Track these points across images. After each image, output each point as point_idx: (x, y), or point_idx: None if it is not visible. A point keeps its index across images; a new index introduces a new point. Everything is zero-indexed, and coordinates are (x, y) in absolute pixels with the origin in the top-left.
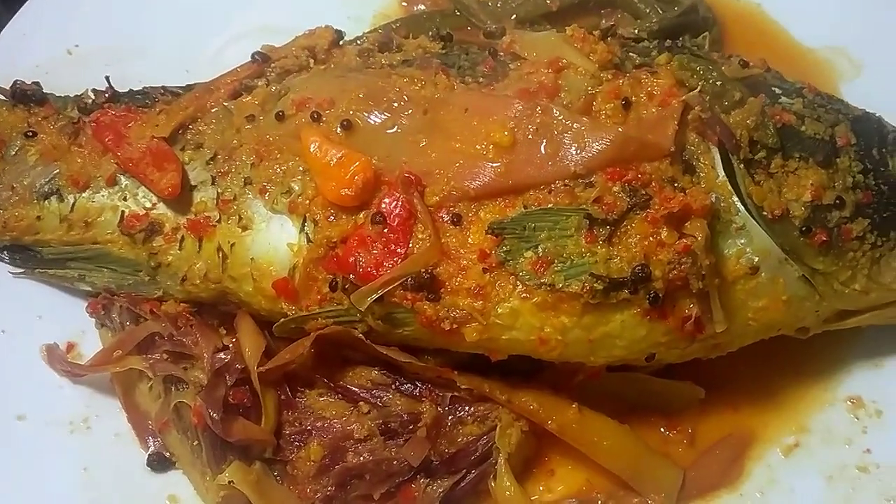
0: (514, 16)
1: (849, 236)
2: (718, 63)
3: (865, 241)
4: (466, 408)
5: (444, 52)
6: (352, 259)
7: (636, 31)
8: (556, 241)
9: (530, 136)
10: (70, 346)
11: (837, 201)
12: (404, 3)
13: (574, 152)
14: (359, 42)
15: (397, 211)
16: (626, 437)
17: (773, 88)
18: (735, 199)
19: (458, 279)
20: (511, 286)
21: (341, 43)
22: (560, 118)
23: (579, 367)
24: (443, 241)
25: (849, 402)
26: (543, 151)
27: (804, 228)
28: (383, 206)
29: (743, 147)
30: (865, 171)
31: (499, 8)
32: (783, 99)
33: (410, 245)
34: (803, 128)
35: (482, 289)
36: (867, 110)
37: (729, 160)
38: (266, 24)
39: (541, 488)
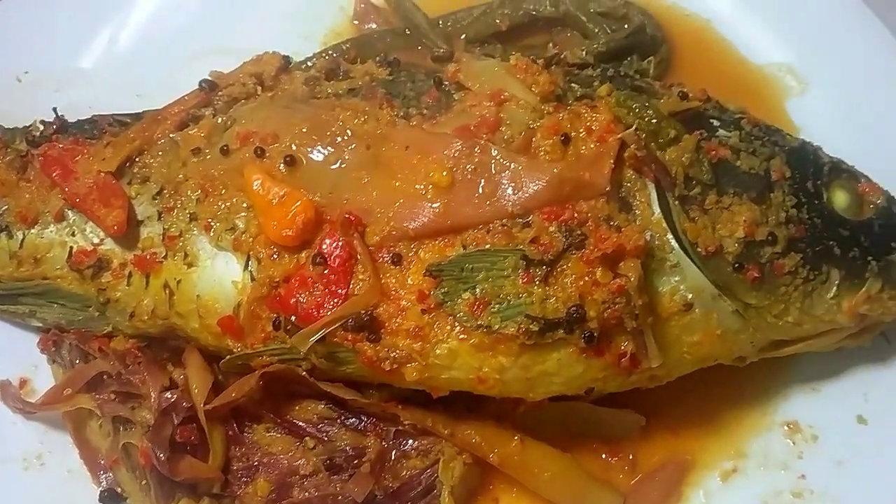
0: (464, 35)
1: (781, 271)
2: (658, 95)
3: (797, 276)
4: (410, 442)
5: (390, 78)
6: (293, 300)
7: (584, 53)
8: (494, 282)
9: (469, 176)
10: (23, 382)
11: (770, 237)
12: (356, 22)
13: (511, 192)
14: (306, 67)
15: (337, 252)
16: (566, 466)
17: (712, 120)
18: (669, 236)
19: (398, 320)
20: (449, 327)
21: (290, 67)
22: (498, 158)
23: (521, 399)
24: (383, 281)
25: (786, 427)
26: (481, 191)
27: (737, 265)
28: (324, 246)
29: (678, 184)
30: (799, 205)
31: (449, 27)
32: (720, 132)
33: (351, 286)
34: (738, 162)
35: (421, 330)
36: (805, 139)
37: (665, 196)
38: (218, 46)
39: None
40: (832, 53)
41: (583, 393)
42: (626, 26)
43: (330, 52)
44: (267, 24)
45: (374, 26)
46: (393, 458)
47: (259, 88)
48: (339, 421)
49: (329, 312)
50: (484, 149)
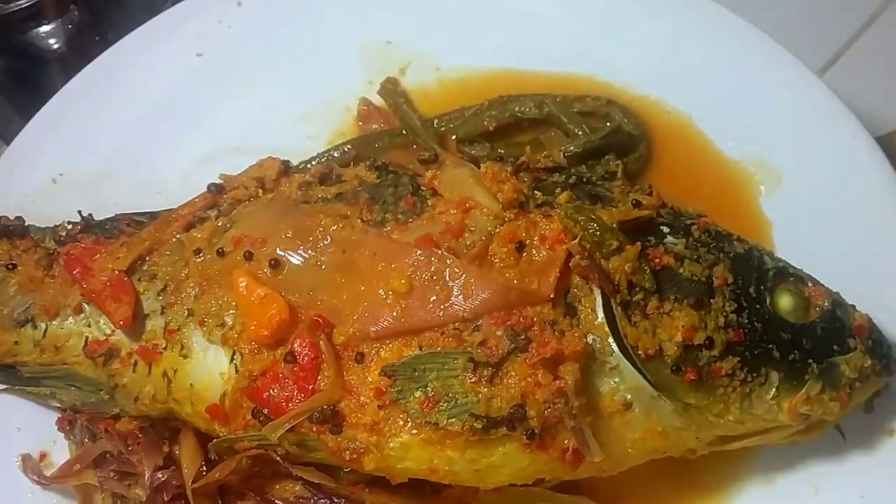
0: (455, 136)
1: (718, 374)
2: (615, 202)
3: (735, 378)
4: None
5: (377, 181)
6: (266, 394)
7: (562, 153)
8: (444, 382)
9: (425, 284)
10: (42, 455)
11: (707, 342)
12: (360, 123)
13: (462, 299)
14: (303, 170)
15: (306, 351)
16: None
17: (662, 227)
18: (611, 340)
19: (358, 414)
20: (402, 422)
21: (290, 169)
22: (452, 267)
23: None
24: (346, 378)
25: None
26: (436, 298)
27: (675, 367)
28: (295, 346)
29: (621, 290)
30: (739, 310)
31: (442, 127)
32: (668, 239)
33: (318, 382)
34: (682, 269)
35: (377, 424)
36: (754, 245)
37: (609, 302)
38: (231, 146)
39: None
40: (805, 147)
41: (534, 482)
42: (608, 124)
43: (332, 152)
44: (277, 125)
45: (376, 126)
46: None
47: (260, 191)
48: (312, 501)
49: (296, 406)
50: (440, 258)
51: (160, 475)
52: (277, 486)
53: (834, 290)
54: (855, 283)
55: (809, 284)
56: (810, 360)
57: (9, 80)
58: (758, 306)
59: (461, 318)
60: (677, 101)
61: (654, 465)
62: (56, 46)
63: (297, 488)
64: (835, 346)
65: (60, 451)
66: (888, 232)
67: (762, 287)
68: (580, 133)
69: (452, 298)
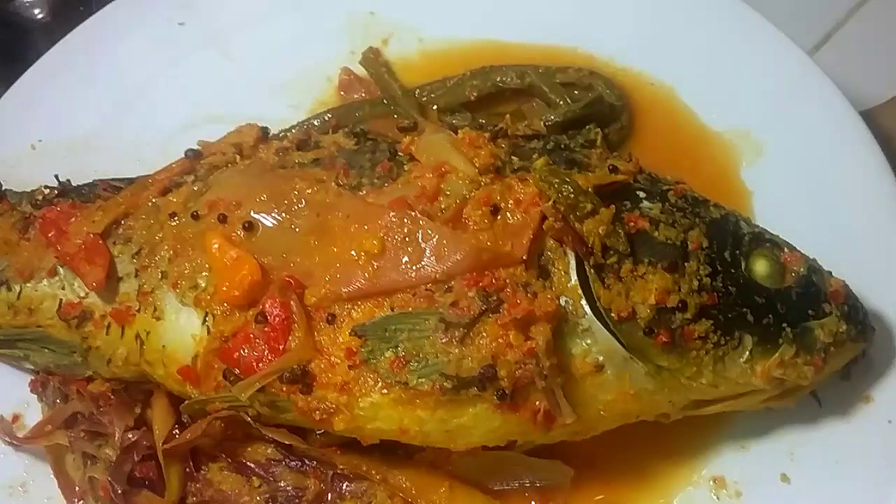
0: (436, 106)
1: (691, 337)
2: (591, 167)
3: (708, 341)
4: (346, 485)
5: (355, 148)
6: (236, 354)
7: (543, 122)
8: (415, 342)
9: (398, 245)
10: (15, 417)
11: (680, 304)
12: (342, 93)
13: (435, 260)
14: (282, 137)
15: (277, 312)
16: None
17: (638, 192)
18: (583, 302)
19: (328, 374)
20: (372, 382)
21: (269, 137)
22: (425, 228)
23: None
24: (318, 338)
25: (712, 482)
26: (408, 259)
27: (648, 330)
28: (266, 306)
29: (595, 253)
30: (714, 274)
31: (423, 97)
32: (644, 203)
33: (289, 342)
34: (656, 233)
35: (347, 384)
36: (731, 211)
37: (583, 265)
38: (212, 114)
39: None
40: (787, 119)
41: (506, 444)
42: (589, 95)
43: (313, 120)
44: (259, 94)
45: (357, 96)
46: (329, 499)
47: (238, 157)
48: (283, 463)
49: (265, 366)
50: (413, 220)
51: (130, 435)
52: (249, 449)
53: (811, 257)
54: (834, 253)
55: (785, 250)
56: (784, 325)
57: None
58: (732, 271)
59: (433, 279)
60: (661, 74)
61: (627, 430)
62: (41, 16)
63: (268, 451)
64: (810, 311)
65: (33, 414)
66: (868, 203)
67: (737, 252)
68: (562, 103)
69: (424, 259)
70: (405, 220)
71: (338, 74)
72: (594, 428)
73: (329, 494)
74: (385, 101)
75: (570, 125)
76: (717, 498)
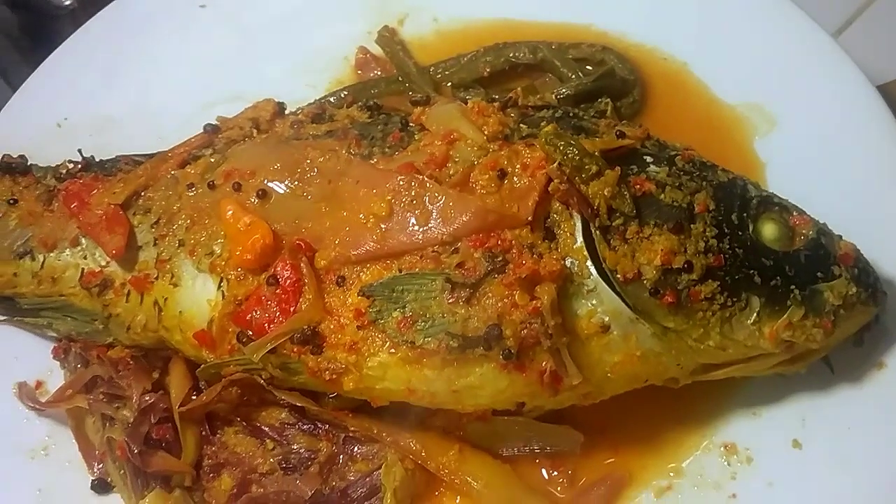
0: (450, 83)
1: (697, 298)
2: (599, 134)
3: (715, 302)
4: (357, 447)
5: (369, 121)
6: (249, 316)
7: (555, 95)
8: (422, 303)
9: (405, 208)
10: (39, 384)
11: (686, 265)
12: (359, 72)
13: (441, 222)
14: (296, 112)
15: (288, 274)
16: (501, 476)
17: (646, 157)
18: (589, 263)
19: (337, 335)
20: (380, 342)
21: (286, 112)
22: (431, 190)
23: (466, 414)
24: (327, 300)
25: (723, 449)
26: (415, 221)
27: (653, 290)
28: (278, 269)
29: (601, 215)
30: (720, 236)
31: (438, 74)
32: (651, 168)
33: (299, 304)
34: (662, 196)
35: (356, 344)
36: (739, 176)
37: (589, 227)
38: (232, 93)
39: None
40: (801, 91)
41: (515, 408)
42: (601, 69)
43: (329, 97)
44: (277, 74)
45: (373, 74)
46: (341, 461)
47: (255, 131)
48: (296, 426)
49: (276, 327)
50: (420, 183)
51: (148, 398)
52: (264, 413)
53: (821, 221)
54: (846, 223)
55: (794, 213)
56: (793, 287)
57: (24, 35)
58: (740, 233)
59: (440, 240)
60: (673, 49)
61: (637, 396)
62: (68, 3)
63: (282, 415)
64: (819, 274)
65: (56, 381)
66: (882, 173)
67: (745, 214)
68: (574, 77)
69: (431, 221)
70: (412, 184)
71: (354, 55)
72: (602, 391)
73: (340, 456)
74: (400, 78)
75: (582, 98)
76: (728, 464)
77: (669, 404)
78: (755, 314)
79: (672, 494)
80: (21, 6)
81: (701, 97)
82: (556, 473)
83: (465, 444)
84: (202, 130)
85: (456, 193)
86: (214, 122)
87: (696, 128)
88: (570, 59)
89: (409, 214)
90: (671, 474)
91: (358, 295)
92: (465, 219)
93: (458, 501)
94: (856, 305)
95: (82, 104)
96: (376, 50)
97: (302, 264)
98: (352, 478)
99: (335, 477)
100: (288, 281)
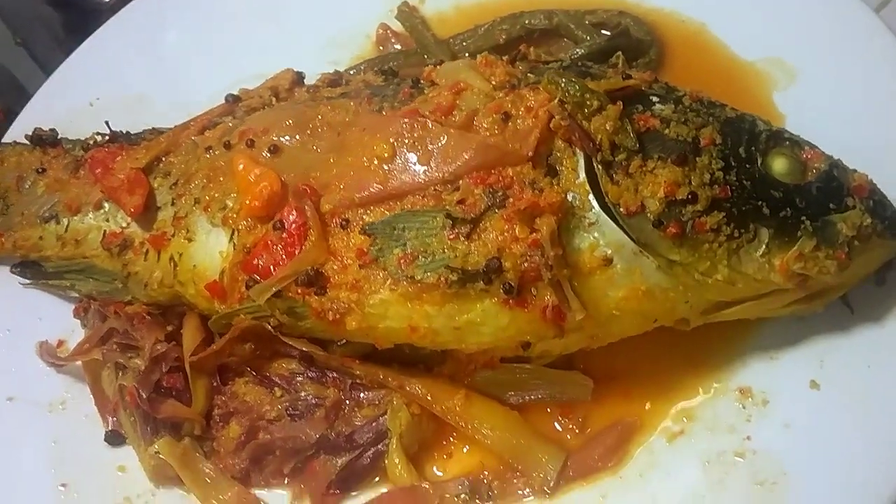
0: (467, 53)
1: (702, 229)
2: (606, 77)
3: (721, 233)
4: (364, 393)
5: (383, 83)
6: (256, 261)
7: (569, 56)
8: (422, 240)
9: (407, 149)
10: (60, 343)
11: (690, 196)
12: (381, 48)
13: (442, 161)
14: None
15: (293, 218)
16: (508, 420)
17: (652, 97)
18: (591, 197)
19: (341, 275)
20: (382, 279)
21: (305, 82)
22: (433, 131)
23: (473, 359)
24: (332, 243)
25: (738, 392)
26: (417, 160)
27: (657, 222)
28: (283, 213)
29: (603, 150)
30: (727, 169)
31: (455, 46)
32: (656, 106)
33: (305, 247)
34: (667, 131)
35: (358, 283)
36: (748, 113)
37: (592, 163)
38: (257, 72)
39: (436, 469)
40: (820, 42)
41: (520, 350)
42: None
43: (350, 70)
44: (301, 52)
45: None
46: (347, 407)
47: (274, 99)
48: (304, 375)
49: (281, 269)
50: (422, 124)
51: (160, 346)
52: (274, 365)
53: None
54: (869, 173)
55: (806, 148)
56: (803, 218)
57: (65, 32)
58: (747, 166)
59: (441, 179)
60: (692, 11)
61: (649, 342)
62: (108, 0)
63: (292, 366)
64: (831, 205)
65: (77, 339)
66: None
67: (753, 148)
68: (588, 38)
69: (433, 161)
70: (415, 125)
71: (375, 31)
72: (610, 331)
73: (347, 402)
74: (419, 50)
75: (596, 59)
76: (744, 407)
77: (683, 350)
78: (764, 246)
79: (684, 438)
80: (63, 4)
81: (720, 56)
82: (566, 421)
83: (471, 391)
84: (223, 100)
85: (458, 132)
86: (232, 93)
87: (715, 84)
88: (587, 24)
89: (411, 155)
90: (684, 419)
91: (360, 234)
92: (466, 156)
93: (465, 451)
94: (872, 237)
95: (114, 85)
96: (397, 27)
97: (306, 208)
98: (358, 423)
99: (341, 423)
100: (293, 225)
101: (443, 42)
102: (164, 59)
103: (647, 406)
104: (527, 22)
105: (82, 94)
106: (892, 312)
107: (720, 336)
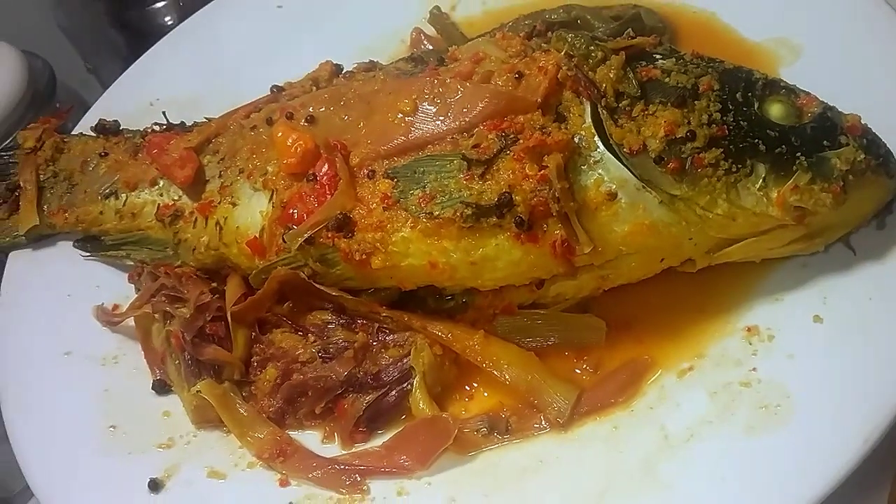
0: None
1: (701, 163)
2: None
3: (719, 168)
4: (390, 336)
5: (413, 69)
6: (291, 211)
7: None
8: (441, 182)
9: (427, 103)
10: (115, 307)
11: (689, 134)
12: (414, 51)
13: (459, 111)
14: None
15: (325, 170)
16: (525, 359)
17: (655, 55)
18: (596, 138)
19: (367, 219)
20: (403, 219)
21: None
22: (451, 85)
23: (492, 304)
24: (359, 192)
25: (745, 331)
26: (436, 112)
27: (658, 159)
28: (316, 167)
29: (608, 97)
30: (724, 111)
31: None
32: (659, 61)
33: (334, 195)
34: (667, 80)
35: (381, 223)
36: (747, 67)
37: (598, 111)
38: (299, 75)
39: (457, 411)
40: (825, 20)
41: (534, 289)
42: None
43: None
44: (342, 57)
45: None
46: (374, 348)
47: (314, 88)
48: (336, 322)
49: (312, 215)
50: (442, 81)
51: (204, 297)
52: (310, 316)
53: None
54: None
55: (801, 94)
56: (798, 154)
57: (129, 51)
58: (744, 109)
59: (458, 128)
60: (703, 3)
61: (659, 289)
62: (170, 22)
63: (325, 316)
64: (825, 143)
65: None
66: None
67: (750, 94)
68: (603, 26)
69: (450, 112)
70: (435, 82)
71: (409, 35)
72: (619, 271)
73: (374, 344)
74: (449, 49)
75: None
76: (750, 343)
77: (693, 297)
78: (761, 180)
79: (694, 374)
80: (126, 27)
81: (729, 41)
82: (582, 363)
83: (489, 333)
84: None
85: (473, 85)
86: (277, 84)
87: None
88: (605, 16)
89: (430, 108)
90: (694, 357)
91: (383, 177)
92: (480, 106)
93: (486, 395)
94: (866, 173)
95: (171, 87)
96: (430, 31)
97: (337, 159)
98: (384, 363)
99: (369, 363)
100: (325, 176)
101: (471, 40)
102: (216, 66)
103: (660, 349)
104: (547, 16)
105: (144, 94)
106: (893, 252)
107: (727, 282)
